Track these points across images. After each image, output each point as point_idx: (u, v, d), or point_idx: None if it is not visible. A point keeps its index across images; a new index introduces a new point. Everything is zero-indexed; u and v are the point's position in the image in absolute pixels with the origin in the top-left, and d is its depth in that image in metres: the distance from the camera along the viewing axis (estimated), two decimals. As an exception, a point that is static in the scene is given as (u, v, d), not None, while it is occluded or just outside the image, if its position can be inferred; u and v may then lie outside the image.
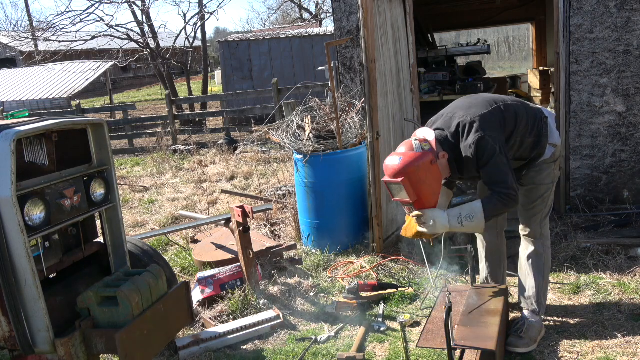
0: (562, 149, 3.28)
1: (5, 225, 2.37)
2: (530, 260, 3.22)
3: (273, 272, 4.14)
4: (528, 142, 2.99)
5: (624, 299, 3.46)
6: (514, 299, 3.54)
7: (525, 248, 3.27)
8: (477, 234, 3.48)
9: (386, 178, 2.83)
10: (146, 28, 16.18)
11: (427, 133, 2.94)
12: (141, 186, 8.39)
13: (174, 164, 9.87)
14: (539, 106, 3.24)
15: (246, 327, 3.48)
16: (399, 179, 2.74)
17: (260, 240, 4.64)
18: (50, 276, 2.87)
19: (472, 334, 2.73)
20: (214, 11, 26.35)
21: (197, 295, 3.90)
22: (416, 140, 2.88)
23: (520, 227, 3.26)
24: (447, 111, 3.04)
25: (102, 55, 18.84)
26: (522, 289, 3.28)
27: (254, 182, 7.69)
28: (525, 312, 3.23)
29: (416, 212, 2.82)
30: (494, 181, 2.80)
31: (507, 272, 3.62)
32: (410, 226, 2.94)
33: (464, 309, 3.02)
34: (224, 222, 4.70)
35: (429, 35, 9.63)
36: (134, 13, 16.04)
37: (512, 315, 3.36)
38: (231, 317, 3.68)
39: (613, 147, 4.89)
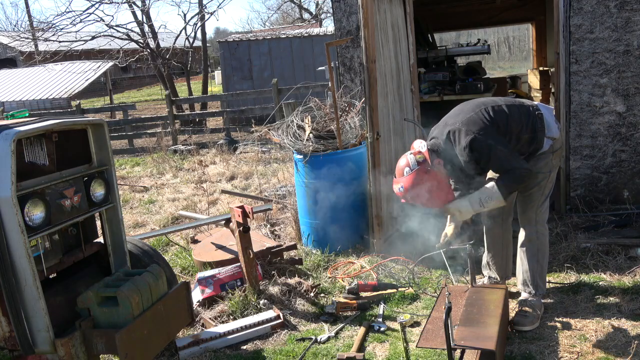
0: (562, 145, 3.38)
1: (5, 225, 2.38)
2: (524, 247, 3.38)
3: (273, 272, 4.14)
4: (524, 139, 3.13)
5: (624, 299, 3.46)
6: (515, 288, 3.62)
7: (521, 235, 3.42)
8: (482, 222, 3.65)
9: (402, 200, 3.23)
10: (146, 28, 16.17)
11: (420, 145, 3.18)
12: (141, 186, 8.39)
13: (174, 164, 9.87)
14: (535, 102, 3.30)
15: (246, 327, 3.48)
16: (409, 201, 3.16)
17: (260, 240, 4.64)
18: (50, 276, 2.87)
19: (472, 334, 2.72)
20: (214, 11, 26.33)
21: (197, 295, 3.90)
22: (411, 154, 3.14)
23: (518, 214, 3.43)
24: (442, 120, 3.26)
25: (102, 56, 18.82)
26: (518, 275, 3.45)
27: (254, 182, 7.69)
28: (524, 294, 3.41)
29: (443, 209, 3.21)
30: (503, 170, 3.03)
31: None
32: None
33: (464, 309, 3.02)
34: (224, 222, 4.70)
35: (429, 35, 9.62)
36: (134, 13, 16.04)
37: (512, 315, 3.36)
38: (231, 317, 3.68)
39: (613, 147, 4.89)
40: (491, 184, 3.04)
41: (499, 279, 3.63)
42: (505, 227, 3.56)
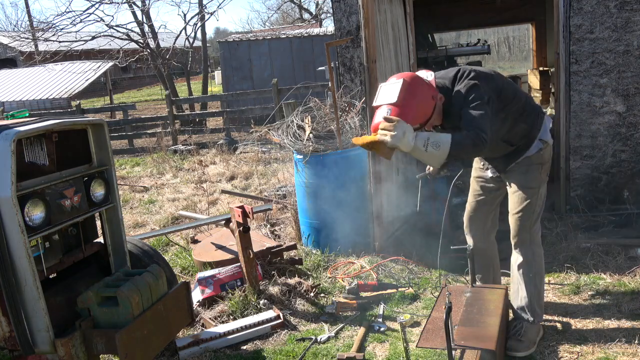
0: (550, 158, 3.19)
1: (5, 225, 2.38)
2: (521, 270, 3.17)
3: (273, 272, 4.14)
4: (520, 128, 3.02)
5: (624, 299, 3.46)
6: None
7: (515, 257, 3.21)
8: (467, 238, 3.44)
9: (386, 83, 2.86)
10: (146, 28, 16.20)
11: (426, 74, 2.95)
12: (141, 186, 8.39)
13: (174, 164, 9.87)
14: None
15: (246, 327, 3.48)
16: (401, 79, 2.78)
17: (260, 240, 4.64)
18: (50, 276, 2.87)
19: (472, 334, 2.72)
20: (214, 11, 26.44)
21: (197, 295, 3.90)
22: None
23: (511, 234, 3.21)
24: (448, 68, 3.09)
25: (102, 56, 18.85)
26: (515, 299, 3.23)
27: (254, 182, 7.69)
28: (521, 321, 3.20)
29: (394, 117, 2.71)
30: (471, 125, 2.75)
31: (502, 270, 3.60)
32: (370, 136, 2.79)
33: (464, 309, 3.02)
34: (224, 222, 4.70)
35: (429, 35, 9.63)
36: (134, 13, 16.07)
37: (511, 315, 3.36)
38: (231, 317, 3.68)
39: (613, 147, 4.89)
40: (447, 134, 2.75)
41: None
42: (488, 244, 3.42)
